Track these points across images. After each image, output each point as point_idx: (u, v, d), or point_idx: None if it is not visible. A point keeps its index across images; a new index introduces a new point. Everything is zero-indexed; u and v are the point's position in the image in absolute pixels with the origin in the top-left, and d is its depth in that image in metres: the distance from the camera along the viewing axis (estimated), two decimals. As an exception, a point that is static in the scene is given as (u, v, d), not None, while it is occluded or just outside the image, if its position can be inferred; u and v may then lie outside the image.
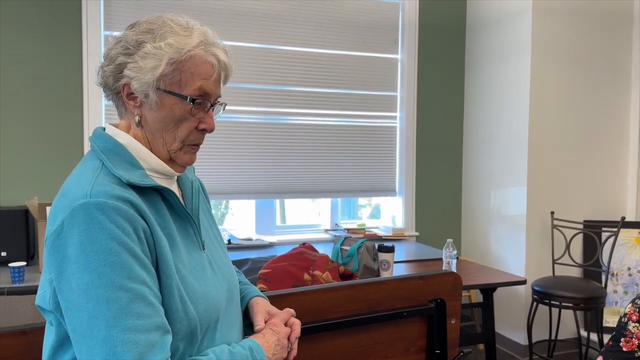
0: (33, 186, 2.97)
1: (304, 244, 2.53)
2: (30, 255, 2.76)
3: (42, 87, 2.99)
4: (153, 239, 0.87)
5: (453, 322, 1.56)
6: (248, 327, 1.12)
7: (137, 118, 0.94)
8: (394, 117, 3.80)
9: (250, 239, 3.28)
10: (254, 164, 3.43)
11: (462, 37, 3.95)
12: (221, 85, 0.99)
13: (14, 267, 2.33)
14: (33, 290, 1.93)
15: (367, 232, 3.59)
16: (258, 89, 3.42)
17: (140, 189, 0.91)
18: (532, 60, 3.35)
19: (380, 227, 3.78)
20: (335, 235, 3.47)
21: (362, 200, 4.14)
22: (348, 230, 3.57)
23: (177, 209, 0.96)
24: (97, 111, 3.09)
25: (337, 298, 1.36)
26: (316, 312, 1.35)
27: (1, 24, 2.90)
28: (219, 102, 1.00)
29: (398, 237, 3.64)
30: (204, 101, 0.95)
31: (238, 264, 2.53)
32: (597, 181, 3.58)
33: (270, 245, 3.29)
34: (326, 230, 3.71)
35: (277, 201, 3.73)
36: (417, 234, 3.85)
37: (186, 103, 0.93)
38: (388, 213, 3.96)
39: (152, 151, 0.96)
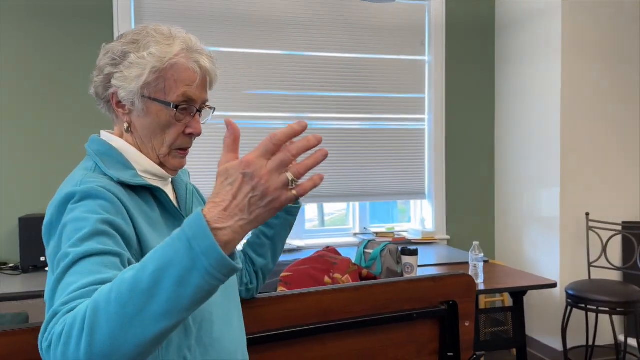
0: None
1: (327, 247, 2.54)
2: (68, 259, 2.87)
3: (79, 92, 3.12)
4: (136, 232, 0.90)
5: (467, 324, 1.54)
6: None
7: (125, 125, 1.00)
8: (422, 120, 3.77)
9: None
10: (282, 169, 3.47)
11: (491, 36, 3.89)
12: (207, 90, 1.02)
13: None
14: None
15: (396, 236, 3.57)
16: (285, 95, 3.47)
17: (132, 189, 0.95)
18: (563, 59, 3.26)
19: (409, 231, 3.75)
20: (363, 239, 3.46)
21: (400, 204, 4.12)
22: (377, 234, 3.56)
23: (168, 207, 1.00)
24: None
25: (344, 299, 1.37)
26: (323, 313, 1.36)
27: (32, 28, 3.05)
28: (207, 106, 1.03)
29: (428, 241, 3.61)
30: (190, 107, 0.99)
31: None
32: (636, 181, 3.44)
33: (299, 249, 3.32)
34: (355, 234, 3.71)
35: (316, 205, 3.77)
36: (448, 237, 3.80)
37: (171, 109, 0.97)
38: (419, 216, 3.93)
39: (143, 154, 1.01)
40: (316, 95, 3.53)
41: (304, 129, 0.69)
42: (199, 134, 1.01)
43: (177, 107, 0.97)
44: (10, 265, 2.88)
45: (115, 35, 3.14)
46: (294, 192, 0.67)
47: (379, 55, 3.64)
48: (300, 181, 0.70)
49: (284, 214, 1.20)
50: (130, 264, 0.83)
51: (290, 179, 0.67)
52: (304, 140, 0.69)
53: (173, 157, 1.01)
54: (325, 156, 0.69)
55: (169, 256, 0.65)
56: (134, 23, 3.18)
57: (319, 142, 0.68)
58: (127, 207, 0.90)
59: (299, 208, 1.23)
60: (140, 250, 0.90)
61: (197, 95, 0.99)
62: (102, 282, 0.73)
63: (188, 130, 1.00)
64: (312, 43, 3.50)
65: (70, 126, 3.11)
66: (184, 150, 1.02)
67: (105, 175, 0.94)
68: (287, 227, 1.23)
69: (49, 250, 0.87)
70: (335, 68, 3.56)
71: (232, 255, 0.69)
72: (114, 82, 0.97)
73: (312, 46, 3.50)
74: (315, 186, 0.68)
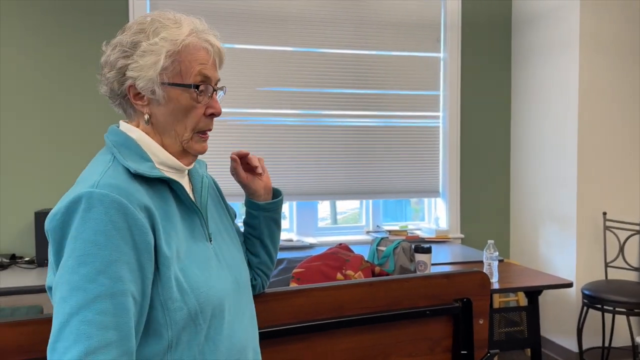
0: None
1: (340, 244, 2.54)
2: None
3: (95, 87, 3.14)
4: (154, 232, 0.89)
5: (481, 322, 1.52)
6: None
7: (146, 116, 0.98)
8: (437, 117, 3.74)
9: (291, 240, 3.32)
10: (295, 166, 3.47)
11: (507, 33, 3.84)
12: (218, 69, 1.02)
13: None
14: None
15: (409, 234, 3.54)
16: (299, 92, 3.46)
17: (148, 181, 0.94)
18: (581, 57, 3.22)
19: (423, 229, 3.73)
20: (376, 237, 3.45)
21: (414, 203, 4.10)
22: (390, 231, 3.54)
23: (184, 200, 0.99)
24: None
25: (357, 295, 1.36)
26: (337, 308, 1.35)
27: (49, 23, 3.08)
28: (219, 87, 1.03)
29: (442, 239, 3.58)
30: (207, 86, 0.99)
31: (274, 263, 2.56)
32: (655, 180, 3.38)
33: (311, 246, 3.31)
34: (368, 232, 3.70)
35: (328, 203, 3.77)
36: (462, 236, 3.77)
37: (191, 91, 0.96)
38: (433, 215, 3.90)
39: (162, 146, 0.99)
40: (330, 93, 3.52)
41: None
42: (219, 114, 1.01)
43: (197, 88, 0.97)
44: (26, 259, 2.91)
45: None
46: None
47: (394, 52, 3.62)
48: None
49: (262, 211, 1.19)
50: (134, 297, 0.85)
51: None
52: None
53: (196, 141, 1.00)
54: None
55: None
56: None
57: None
58: (149, 210, 0.89)
59: (277, 202, 1.20)
60: (155, 251, 0.89)
61: (212, 73, 0.99)
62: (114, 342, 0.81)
63: (209, 111, 1.00)
64: (326, 40, 3.49)
65: (85, 120, 3.14)
66: (206, 133, 1.02)
67: (123, 167, 0.92)
68: (272, 224, 1.21)
69: (51, 248, 0.87)
70: (349, 65, 3.54)
71: None
72: (129, 73, 0.95)
73: (326, 43, 3.49)
74: None
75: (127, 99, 0.99)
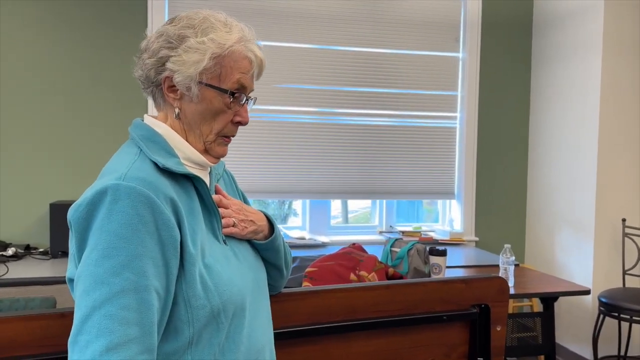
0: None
1: (353, 244, 2.51)
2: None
3: (111, 78, 3.15)
4: (180, 228, 0.88)
5: (499, 329, 1.48)
6: None
7: (176, 110, 0.97)
8: (454, 118, 3.70)
9: (304, 238, 3.30)
10: (310, 164, 3.45)
11: (528, 33, 3.78)
12: (255, 79, 1.03)
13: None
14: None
15: (422, 236, 3.50)
16: (315, 89, 3.43)
17: (174, 176, 0.93)
18: (604, 59, 3.15)
19: (437, 231, 3.68)
20: (390, 238, 3.42)
21: (426, 204, 4.06)
22: (403, 232, 3.51)
23: (205, 199, 0.98)
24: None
25: (373, 297, 1.34)
26: (352, 311, 1.33)
27: (66, 24, 3.09)
28: (250, 97, 1.03)
29: (456, 242, 3.53)
30: (241, 95, 0.99)
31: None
32: (677, 187, 3.31)
33: (323, 245, 3.29)
34: (380, 232, 3.66)
35: (340, 201, 3.74)
36: (476, 239, 3.72)
37: (225, 96, 0.96)
38: (447, 217, 3.86)
39: (187, 142, 0.99)
40: (346, 91, 3.48)
41: None
42: (246, 123, 1.01)
43: (233, 95, 0.97)
44: (41, 250, 2.93)
45: (149, 24, 3.15)
46: None
47: (412, 51, 3.58)
48: None
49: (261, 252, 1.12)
50: (158, 293, 0.84)
51: None
52: None
53: (218, 144, 1.00)
54: None
55: None
56: (167, 14, 3.19)
57: None
58: (175, 205, 0.88)
59: (266, 244, 1.10)
60: (180, 248, 0.88)
61: (249, 84, 1.00)
62: (136, 338, 0.80)
63: (237, 119, 1.00)
64: (344, 38, 3.46)
65: (102, 113, 3.14)
66: (229, 138, 1.02)
67: (151, 161, 0.91)
68: (271, 258, 1.13)
69: (73, 239, 0.85)
70: (366, 63, 3.51)
71: None
72: (169, 65, 0.94)
73: (344, 41, 3.46)
74: None
75: (160, 88, 0.98)
